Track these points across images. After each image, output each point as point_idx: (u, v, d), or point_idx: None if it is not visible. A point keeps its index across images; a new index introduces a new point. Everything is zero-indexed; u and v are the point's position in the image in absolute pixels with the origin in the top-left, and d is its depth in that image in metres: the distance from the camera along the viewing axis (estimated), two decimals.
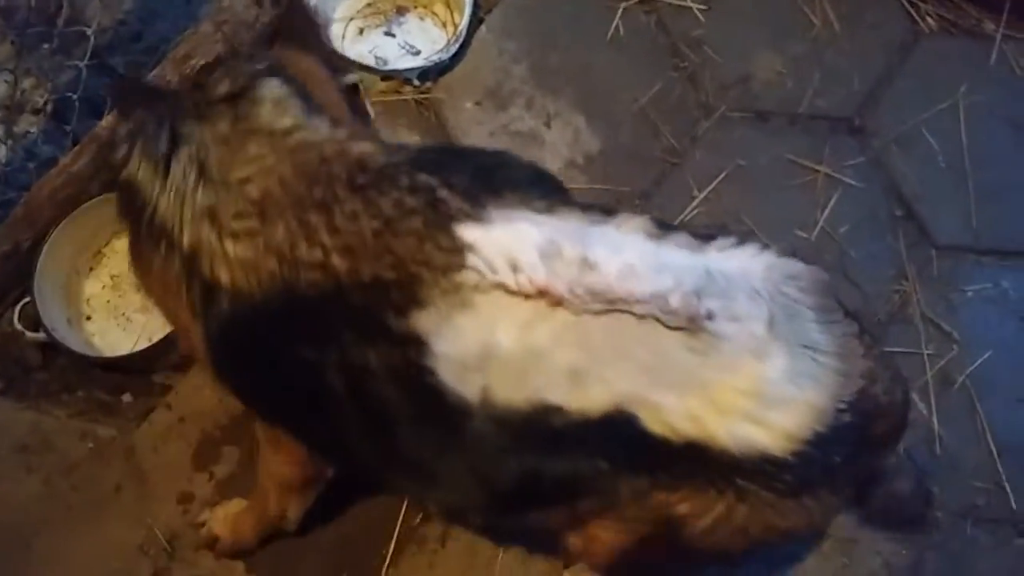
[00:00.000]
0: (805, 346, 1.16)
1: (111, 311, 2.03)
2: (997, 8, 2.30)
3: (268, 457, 1.56)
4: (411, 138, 2.18)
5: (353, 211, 1.18)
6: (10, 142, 2.13)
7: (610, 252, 1.15)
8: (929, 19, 2.33)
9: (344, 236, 1.17)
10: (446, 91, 2.23)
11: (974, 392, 1.95)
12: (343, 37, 2.32)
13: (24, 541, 1.79)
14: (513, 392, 1.14)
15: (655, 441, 1.14)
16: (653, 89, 2.23)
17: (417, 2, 2.39)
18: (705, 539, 1.25)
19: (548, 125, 2.20)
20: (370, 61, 2.25)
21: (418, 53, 2.31)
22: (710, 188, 2.11)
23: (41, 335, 1.90)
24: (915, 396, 1.93)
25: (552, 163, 2.15)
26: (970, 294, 2.05)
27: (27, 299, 1.91)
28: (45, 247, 1.92)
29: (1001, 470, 1.88)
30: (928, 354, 1.98)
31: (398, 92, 2.23)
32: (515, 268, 1.12)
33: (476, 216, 1.17)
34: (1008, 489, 1.87)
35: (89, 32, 2.04)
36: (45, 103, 2.16)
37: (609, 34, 2.29)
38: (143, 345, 1.91)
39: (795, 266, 1.23)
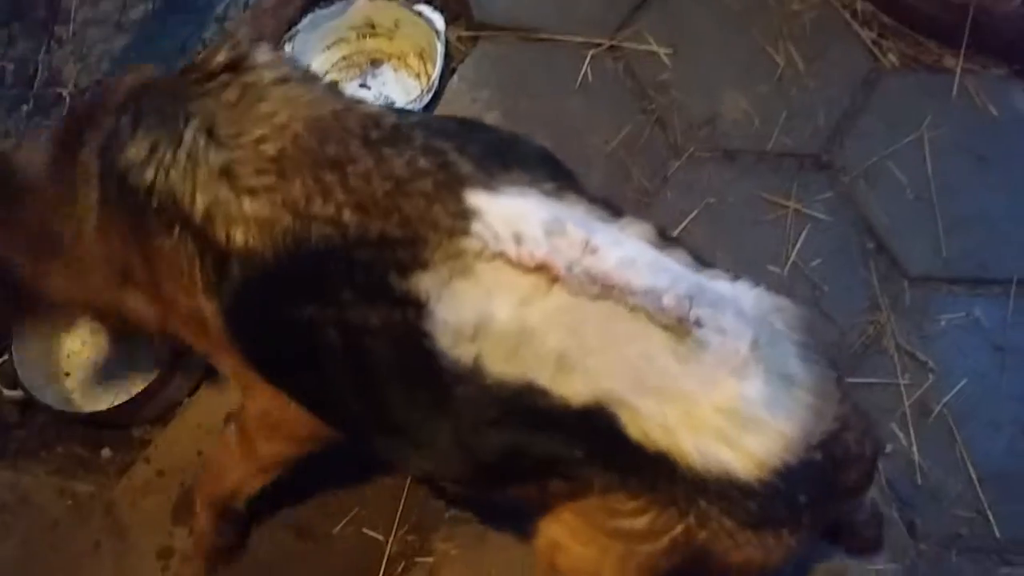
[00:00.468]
0: (784, 375, 1.16)
1: (91, 367, 2.03)
2: (956, 43, 2.35)
3: (259, 439, 1.53)
4: None
5: (367, 170, 1.20)
6: None
7: (612, 243, 1.17)
8: (891, 55, 2.39)
9: (357, 194, 1.19)
10: None
11: (952, 420, 1.95)
12: None
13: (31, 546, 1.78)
14: (504, 366, 1.15)
15: (632, 445, 1.14)
16: (623, 132, 2.27)
17: (391, 55, 2.44)
18: (658, 562, 1.24)
19: None
20: None
21: (393, 104, 2.35)
22: (682, 226, 2.14)
23: (19, 393, 1.90)
24: (894, 426, 1.95)
25: None
26: (943, 323, 2.07)
27: (4, 357, 1.92)
28: None
29: (983, 497, 1.88)
30: (904, 384, 1.99)
31: None
32: (518, 239, 1.14)
33: (485, 184, 1.19)
34: (991, 517, 1.86)
35: (65, 93, 2.07)
36: None
37: (578, 80, 2.34)
38: (122, 399, 1.92)
39: (784, 301, 1.24)
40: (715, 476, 1.13)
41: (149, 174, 1.28)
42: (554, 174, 1.28)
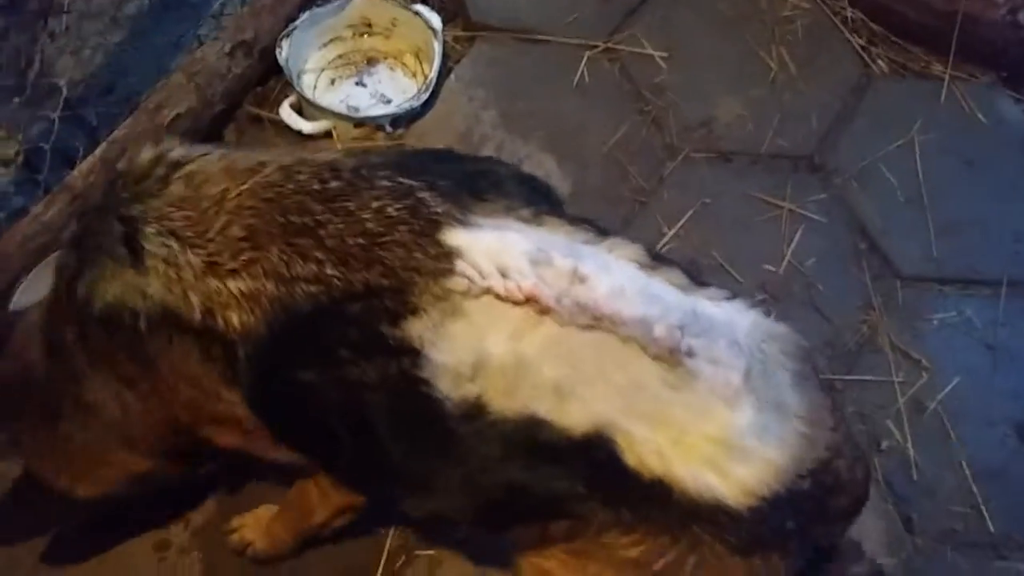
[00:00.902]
0: (776, 404, 1.15)
1: None
2: (944, 50, 2.41)
3: (331, 492, 1.51)
4: None
5: (337, 231, 1.18)
6: None
7: (601, 270, 1.16)
8: (880, 61, 2.44)
9: (335, 252, 1.17)
10: (417, 137, 2.27)
11: (946, 418, 1.97)
12: (315, 88, 2.36)
13: (33, 548, 1.69)
14: (505, 401, 1.14)
15: (629, 473, 1.13)
16: (619, 132, 2.29)
17: (387, 54, 2.45)
18: None
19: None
20: (342, 110, 2.29)
21: (389, 102, 2.35)
22: (679, 225, 2.16)
23: None
24: (889, 423, 1.96)
25: None
26: (936, 323, 2.09)
27: None
28: None
29: (977, 493, 1.89)
30: (899, 382, 2.01)
31: (371, 139, 2.26)
32: (504, 273, 1.13)
33: (461, 220, 1.17)
34: (985, 512, 1.88)
35: (61, 83, 2.05)
36: (16, 154, 2.16)
37: (575, 81, 2.36)
38: None
39: (779, 328, 1.23)
40: (707, 503, 1.12)
41: (130, 300, 1.23)
42: (530, 197, 1.27)
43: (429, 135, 2.28)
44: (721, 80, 2.39)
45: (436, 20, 2.33)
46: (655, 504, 1.14)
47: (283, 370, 1.22)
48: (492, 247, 1.15)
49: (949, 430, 1.96)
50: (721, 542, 1.16)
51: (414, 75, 2.41)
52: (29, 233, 1.95)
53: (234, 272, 1.20)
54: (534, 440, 1.14)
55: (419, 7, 2.36)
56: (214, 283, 1.20)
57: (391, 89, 2.39)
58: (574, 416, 1.13)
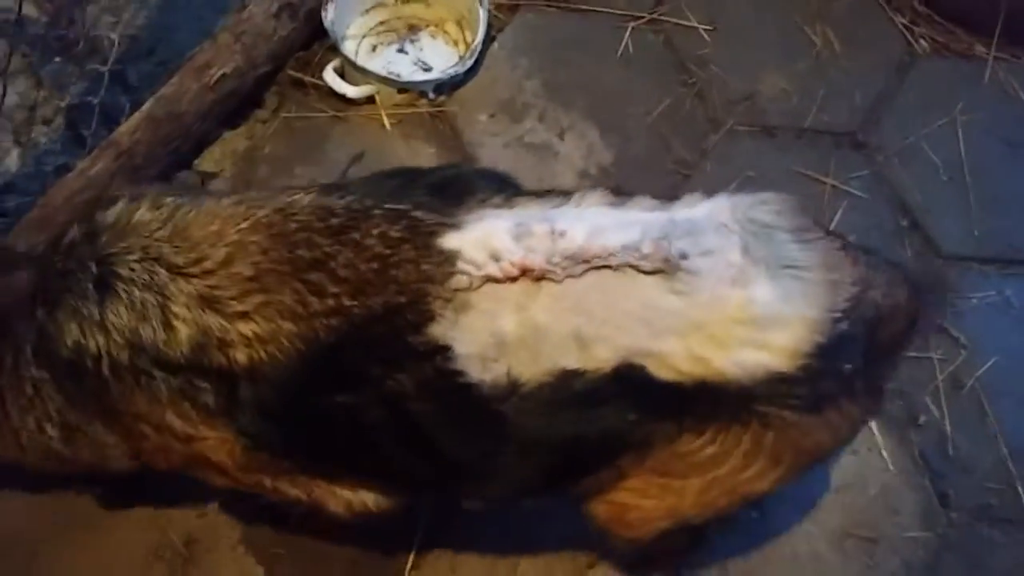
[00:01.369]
0: (786, 266, 1.18)
1: None
2: (988, 32, 2.39)
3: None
4: (428, 150, 2.21)
5: (348, 260, 1.22)
6: (22, 150, 2.12)
7: (575, 221, 1.21)
8: (923, 41, 2.43)
9: (349, 282, 1.21)
10: (460, 104, 2.27)
11: (983, 396, 1.99)
12: (356, 54, 2.36)
13: (30, 548, 1.74)
14: (534, 368, 1.18)
15: (668, 388, 1.17)
16: (663, 104, 2.29)
17: (430, 21, 2.44)
18: (737, 479, 1.26)
19: (562, 137, 2.24)
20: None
21: (430, 70, 2.35)
22: None
23: None
24: (927, 399, 1.98)
25: (566, 173, 2.19)
26: (975, 301, 2.10)
27: None
28: None
29: (1013, 470, 1.91)
30: (938, 359, 2.02)
31: (413, 105, 2.26)
32: (496, 257, 1.18)
33: (451, 225, 1.23)
34: (1020, 489, 1.90)
35: (114, 36, 2.05)
36: (58, 113, 2.16)
37: (619, 51, 2.35)
38: None
39: (764, 194, 1.26)
40: (759, 380, 1.16)
41: (93, 343, 1.25)
42: (500, 187, 1.33)
43: (471, 102, 2.28)
44: (765, 54, 2.39)
45: None
46: (710, 403, 1.18)
47: (314, 396, 1.24)
48: (479, 238, 1.20)
49: (986, 408, 1.98)
50: (788, 408, 1.19)
51: (456, 43, 2.41)
52: (76, 188, 1.96)
53: (245, 315, 1.22)
54: (571, 392, 1.18)
55: None
56: (213, 319, 1.22)
57: (432, 57, 2.39)
58: (602, 356, 1.17)
